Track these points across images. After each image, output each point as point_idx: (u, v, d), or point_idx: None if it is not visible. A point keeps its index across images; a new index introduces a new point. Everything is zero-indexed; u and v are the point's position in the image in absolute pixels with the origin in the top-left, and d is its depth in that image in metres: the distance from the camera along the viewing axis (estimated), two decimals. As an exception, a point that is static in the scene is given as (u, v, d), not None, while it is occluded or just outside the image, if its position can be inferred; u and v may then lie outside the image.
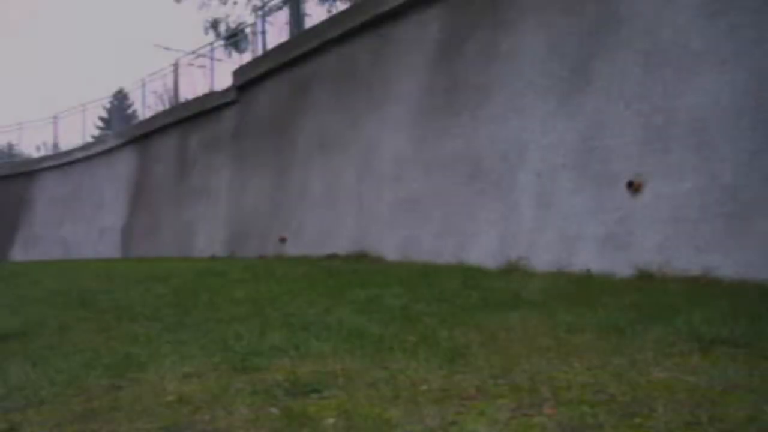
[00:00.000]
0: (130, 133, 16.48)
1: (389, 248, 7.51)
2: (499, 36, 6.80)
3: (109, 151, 17.13)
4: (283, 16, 12.19)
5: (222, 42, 15.68)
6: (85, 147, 18.56)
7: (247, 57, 13.65)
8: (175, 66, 15.81)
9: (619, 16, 5.59)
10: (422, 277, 5.31)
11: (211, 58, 14.49)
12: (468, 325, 3.19)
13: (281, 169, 10.39)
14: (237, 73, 12.36)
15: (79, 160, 18.38)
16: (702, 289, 4.05)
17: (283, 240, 9.75)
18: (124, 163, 16.30)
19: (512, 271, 5.68)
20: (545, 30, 6.27)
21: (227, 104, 12.54)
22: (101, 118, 24.44)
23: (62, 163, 19.08)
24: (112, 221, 16.18)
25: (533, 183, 6.06)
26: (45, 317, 4.20)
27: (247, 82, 11.89)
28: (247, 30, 14.93)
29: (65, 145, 19.97)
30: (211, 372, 2.45)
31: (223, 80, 13.21)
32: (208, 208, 12.48)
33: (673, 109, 5.04)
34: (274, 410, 1.92)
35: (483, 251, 6.35)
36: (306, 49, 10.17)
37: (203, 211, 12.61)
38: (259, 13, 13.35)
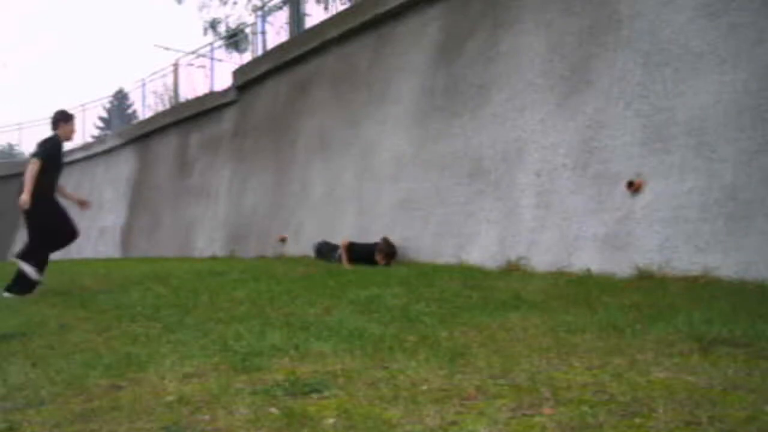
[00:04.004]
0: (130, 133, 16.49)
1: (389, 248, 7.50)
2: (499, 36, 6.80)
3: (109, 151, 17.13)
4: (283, 16, 12.20)
5: (222, 42, 15.69)
6: (85, 147, 18.56)
7: (247, 57, 13.67)
8: (175, 66, 15.82)
9: (619, 16, 5.59)
10: (422, 277, 5.31)
11: (211, 58, 14.51)
12: (468, 325, 3.19)
13: (281, 169, 10.39)
14: (237, 73, 12.36)
15: (79, 160, 18.38)
16: (702, 289, 4.05)
17: (283, 240, 9.75)
18: (124, 163, 16.31)
19: (512, 271, 5.69)
20: (545, 30, 6.27)
21: (227, 104, 12.54)
22: (101, 118, 24.44)
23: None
24: (112, 221, 16.19)
25: (533, 183, 6.06)
26: (45, 317, 4.20)
27: (247, 82, 11.90)
28: (247, 30, 14.93)
29: (65, 145, 19.97)
30: (211, 372, 2.45)
31: (223, 80, 13.23)
32: (208, 208, 12.48)
33: (673, 109, 5.04)
34: (274, 410, 1.92)
35: (483, 251, 6.35)
36: (306, 49, 10.17)
37: (203, 211, 12.61)
38: (259, 13, 13.35)
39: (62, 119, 6.10)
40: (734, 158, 4.59)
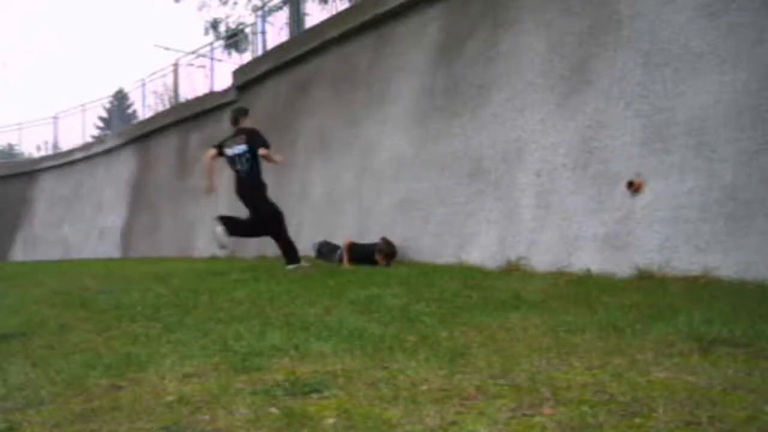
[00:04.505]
0: (130, 133, 16.48)
1: (389, 248, 7.49)
2: (499, 36, 6.80)
3: (109, 151, 17.12)
4: (283, 16, 12.20)
5: (222, 42, 15.69)
6: (85, 147, 18.56)
7: (247, 57, 13.67)
8: (175, 66, 15.82)
9: (619, 16, 5.59)
10: (422, 277, 5.31)
11: (211, 58, 14.51)
12: (468, 325, 3.19)
13: (281, 169, 10.36)
14: (237, 73, 12.36)
15: (79, 160, 18.38)
16: (702, 289, 4.05)
17: (283, 240, 9.74)
18: (124, 163, 16.30)
19: (512, 271, 5.68)
20: (545, 30, 6.27)
21: (227, 104, 12.54)
22: (101, 118, 24.41)
23: (62, 163, 19.08)
24: (112, 221, 16.18)
25: (533, 183, 6.06)
26: (45, 317, 4.20)
27: (247, 82, 11.89)
28: (247, 30, 14.93)
29: (65, 145, 19.98)
30: (211, 372, 2.45)
31: (223, 80, 13.23)
32: (208, 208, 12.47)
33: (673, 109, 5.04)
34: (274, 410, 1.92)
35: (483, 251, 6.35)
36: (306, 49, 10.16)
37: (203, 211, 12.60)
38: (259, 13, 13.35)
39: (243, 114, 7.07)
40: (734, 158, 4.59)
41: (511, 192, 6.28)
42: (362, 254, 7.20)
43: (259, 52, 12.51)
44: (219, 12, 27.44)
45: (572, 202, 5.65)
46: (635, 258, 4.94)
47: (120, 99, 22.97)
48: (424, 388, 2.09)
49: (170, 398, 2.09)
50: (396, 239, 7.24)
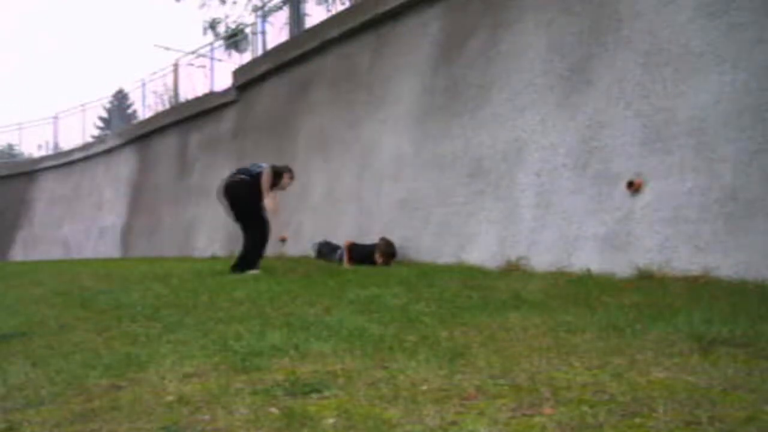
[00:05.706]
0: (130, 133, 16.48)
1: (389, 248, 7.49)
2: (499, 36, 6.80)
3: (108, 151, 17.13)
4: (283, 16, 12.20)
5: (221, 42, 15.68)
6: (85, 147, 18.56)
7: (247, 57, 13.66)
8: (175, 66, 15.82)
9: (619, 16, 5.59)
10: (422, 277, 5.31)
11: (211, 58, 14.51)
12: (468, 325, 3.19)
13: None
14: (237, 73, 12.36)
15: (79, 160, 18.38)
16: (702, 289, 4.05)
17: (283, 240, 9.75)
18: (124, 163, 16.30)
19: (512, 271, 5.69)
20: (545, 30, 6.27)
21: (227, 104, 12.54)
22: (101, 118, 24.43)
23: (62, 163, 19.09)
24: (112, 221, 16.18)
25: (533, 183, 6.06)
26: (45, 317, 4.20)
27: (247, 82, 11.89)
28: (247, 30, 14.93)
29: (65, 145, 19.98)
30: (211, 372, 2.45)
31: (223, 80, 13.23)
32: (208, 208, 12.47)
33: (673, 109, 5.04)
34: (274, 410, 1.92)
35: (483, 251, 6.35)
36: (306, 49, 10.17)
37: (203, 211, 12.61)
38: (259, 13, 13.35)
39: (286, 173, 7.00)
40: (734, 158, 4.59)
41: (511, 192, 6.28)
42: (362, 254, 7.20)
43: (259, 52, 12.52)
44: (219, 12, 27.44)
45: (572, 202, 5.65)
46: (635, 258, 4.94)
47: (120, 99, 22.99)
48: (424, 388, 2.09)
49: (170, 398, 2.09)
50: (396, 239, 7.24)
